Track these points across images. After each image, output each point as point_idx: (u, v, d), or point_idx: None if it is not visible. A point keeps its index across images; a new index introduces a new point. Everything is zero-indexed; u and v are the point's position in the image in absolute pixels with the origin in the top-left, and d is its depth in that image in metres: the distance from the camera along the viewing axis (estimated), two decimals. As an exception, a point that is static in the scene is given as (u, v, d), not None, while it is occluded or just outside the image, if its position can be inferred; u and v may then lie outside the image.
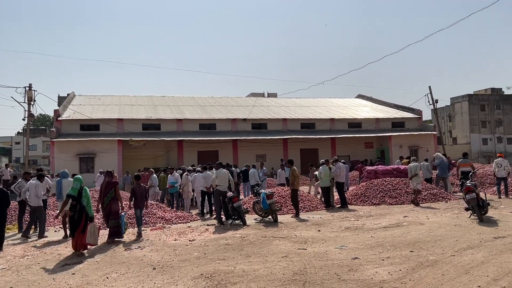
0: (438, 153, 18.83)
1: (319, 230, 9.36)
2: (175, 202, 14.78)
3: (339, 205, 13.65)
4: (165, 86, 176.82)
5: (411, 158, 15.19)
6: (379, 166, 20.38)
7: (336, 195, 14.39)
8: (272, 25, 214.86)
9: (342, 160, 16.87)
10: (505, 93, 57.64)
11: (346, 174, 16.68)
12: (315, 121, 38.82)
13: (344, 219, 11.05)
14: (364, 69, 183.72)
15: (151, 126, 34.29)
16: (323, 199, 14.11)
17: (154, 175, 16.35)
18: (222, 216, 11.26)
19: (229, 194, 11.24)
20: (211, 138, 33.41)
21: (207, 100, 44.08)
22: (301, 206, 13.12)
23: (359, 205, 13.96)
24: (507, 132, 61.08)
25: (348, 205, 13.66)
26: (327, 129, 38.33)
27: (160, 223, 11.31)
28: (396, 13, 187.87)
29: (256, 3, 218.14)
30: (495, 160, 14.81)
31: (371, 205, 13.79)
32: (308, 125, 38.61)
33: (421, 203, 13.38)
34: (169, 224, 11.38)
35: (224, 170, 11.55)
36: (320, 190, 14.74)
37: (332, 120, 38.97)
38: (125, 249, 8.11)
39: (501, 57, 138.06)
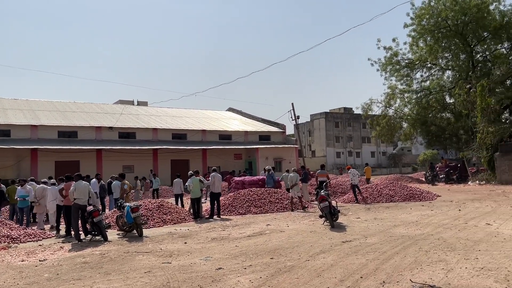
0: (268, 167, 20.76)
1: (185, 242, 9.27)
2: (25, 217, 13.15)
3: (208, 216, 13.78)
4: (17, 89, 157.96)
5: (292, 169, 16.25)
6: (246, 177, 21.25)
7: (205, 206, 14.48)
8: (142, 32, 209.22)
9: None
10: (355, 112, 65.32)
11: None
12: (186, 132, 38.80)
13: (211, 229, 11.16)
14: (235, 83, 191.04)
15: (-1, 132, 30.27)
16: (191, 210, 14.06)
17: None
18: (80, 232, 10.39)
19: (89, 208, 10.46)
20: (71, 147, 30.85)
21: (68, 105, 40.62)
22: (168, 219, 12.88)
23: (227, 215, 14.28)
24: (356, 147, 69.52)
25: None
26: (199, 140, 38.62)
27: (4, 242, 9.94)
28: (263, 33, 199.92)
29: (127, 7, 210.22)
30: (350, 171, 17.04)
31: (238, 214, 14.23)
32: (179, 136, 38.35)
33: (282, 211, 14.30)
34: (17, 243, 10.08)
35: (84, 182, 10.71)
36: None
37: (203, 131, 39.44)
38: (-45, 276, 6.90)
39: (352, 80, 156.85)
